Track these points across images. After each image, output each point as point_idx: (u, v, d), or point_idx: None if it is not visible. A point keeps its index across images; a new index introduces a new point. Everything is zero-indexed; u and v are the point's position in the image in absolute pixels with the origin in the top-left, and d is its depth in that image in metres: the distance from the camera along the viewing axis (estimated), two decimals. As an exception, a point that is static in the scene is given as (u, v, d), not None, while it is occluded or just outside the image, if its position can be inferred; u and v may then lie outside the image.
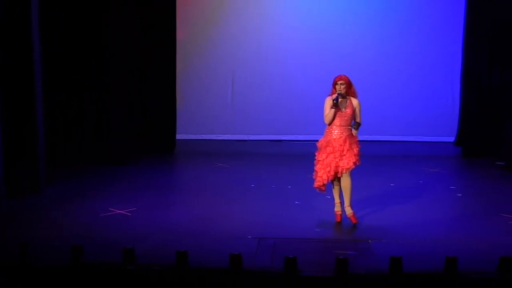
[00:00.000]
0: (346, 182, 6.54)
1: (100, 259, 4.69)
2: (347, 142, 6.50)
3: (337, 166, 6.50)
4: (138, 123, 10.21)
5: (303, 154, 9.94)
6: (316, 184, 6.65)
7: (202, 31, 11.69)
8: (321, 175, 6.57)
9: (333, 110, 6.46)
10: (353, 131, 6.55)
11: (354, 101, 6.57)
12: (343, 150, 6.48)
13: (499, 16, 9.79)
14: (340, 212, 6.69)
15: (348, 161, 6.48)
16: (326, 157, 6.52)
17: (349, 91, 6.54)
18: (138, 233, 6.29)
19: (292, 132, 11.72)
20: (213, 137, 11.77)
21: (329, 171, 6.52)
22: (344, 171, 6.50)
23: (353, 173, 6.56)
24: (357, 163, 6.53)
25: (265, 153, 10.74)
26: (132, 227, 6.50)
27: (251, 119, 11.79)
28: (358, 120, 6.55)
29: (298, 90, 11.55)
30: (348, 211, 6.61)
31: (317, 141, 6.70)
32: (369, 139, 10.84)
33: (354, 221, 6.58)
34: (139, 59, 10.18)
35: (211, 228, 6.48)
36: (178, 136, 11.04)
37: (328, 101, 6.52)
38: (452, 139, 11.19)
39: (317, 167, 6.61)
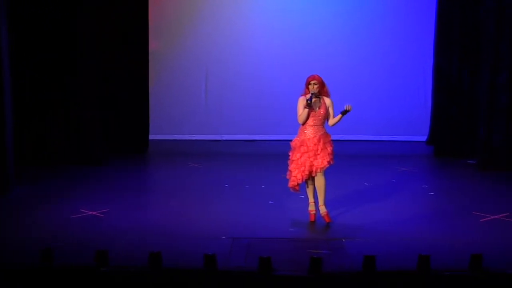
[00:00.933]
0: (320, 181, 6.57)
1: (71, 261, 4.64)
2: (321, 141, 6.54)
3: (311, 166, 6.54)
4: (110, 123, 10.13)
5: (277, 154, 9.96)
6: (290, 184, 6.67)
7: (175, 31, 11.64)
8: (296, 174, 6.60)
9: (306, 110, 6.50)
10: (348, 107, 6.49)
11: (327, 101, 6.61)
12: (317, 150, 6.52)
13: (469, 19, 9.94)
14: (314, 212, 6.72)
15: (322, 160, 6.51)
16: (300, 157, 6.55)
17: (322, 90, 6.58)
18: (111, 234, 6.24)
19: (266, 132, 11.74)
20: (187, 137, 11.73)
21: (303, 171, 6.55)
22: (318, 171, 6.53)
23: (327, 172, 6.59)
24: (331, 162, 6.57)
25: (239, 153, 10.74)
26: (105, 229, 6.45)
27: (224, 119, 11.78)
28: (331, 118, 6.57)
29: (272, 90, 11.57)
30: (322, 210, 6.64)
31: (291, 140, 6.73)
32: (342, 139, 10.91)
33: (327, 220, 6.62)
34: (112, 59, 10.10)
35: (185, 229, 6.46)
36: (151, 137, 10.98)
37: (302, 101, 6.55)
38: (424, 138, 11.34)
39: (291, 167, 6.64)
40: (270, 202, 7.46)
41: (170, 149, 10.99)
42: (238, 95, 11.71)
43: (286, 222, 6.70)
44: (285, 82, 11.24)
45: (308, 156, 6.52)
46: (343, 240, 6.07)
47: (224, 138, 11.76)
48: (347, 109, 6.48)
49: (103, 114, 9.79)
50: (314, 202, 6.72)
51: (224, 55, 11.67)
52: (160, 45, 11.49)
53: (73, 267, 4.24)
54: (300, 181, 6.60)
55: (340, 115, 6.54)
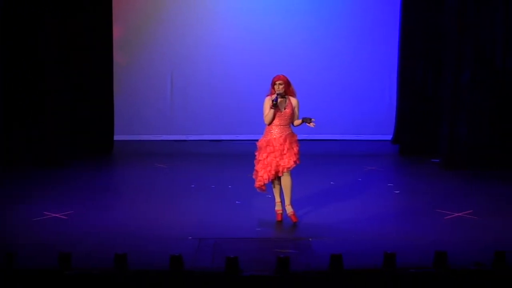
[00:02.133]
0: (286, 181, 6.59)
1: (34, 264, 4.56)
2: (287, 141, 6.55)
3: (277, 166, 6.55)
4: (74, 123, 10.01)
5: (243, 153, 9.95)
6: (257, 184, 6.67)
7: (139, 29, 11.55)
8: (262, 174, 6.59)
9: (272, 110, 6.50)
10: (311, 124, 6.51)
11: (293, 101, 6.63)
12: (283, 150, 6.53)
13: (432, 20, 10.10)
14: (280, 211, 6.74)
15: (289, 160, 6.53)
16: (267, 157, 6.55)
17: (288, 90, 6.60)
18: (75, 236, 6.17)
19: (232, 132, 11.72)
20: (152, 137, 11.65)
21: (269, 171, 6.55)
22: (284, 170, 6.54)
23: (293, 172, 6.62)
24: (297, 162, 6.59)
25: (205, 153, 10.71)
26: (69, 231, 6.36)
27: (190, 119, 11.73)
28: (296, 119, 6.60)
29: (238, 89, 11.56)
30: (289, 210, 6.66)
31: (257, 140, 6.73)
32: (309, 138, 10.95)
33: (294, 219, 6.64)
34: (76, 59, 10.00)
35: (151, 230, 6.41)
36: (116, 137, 10.88)
37: (268, 101, 6.56)
38: (389, 137, 11.47)
39: (257, 167, 6.63)
40: (237, 202, 7.46)
41: (135, 149, 10.90)
42: (204, 95, 11.68)
43: (253, 222, 6.70)
44: (251, 82, 11.24)
45: (274, 156, 6.53)
46: (310, 239, 6.10)
47: (190, 138, 11.71)
48: (308, 123, 6.48)
49: (66, 114, 9.66)
50: (281, 201, 6.74)
51: (190, 55, 11.62)
52: (124, 45, 11.39)
53: (35, 270, 4.17)
54: (266, 181, 6.61)
55: (301, 121, 6.58)
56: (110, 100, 10.57)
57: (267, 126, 6.62)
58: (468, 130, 9.30)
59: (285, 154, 6.53)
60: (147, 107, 11.64)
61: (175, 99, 11.73)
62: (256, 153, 6.67)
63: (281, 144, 6.53)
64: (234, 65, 11.61)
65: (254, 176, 6.73)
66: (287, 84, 6.57)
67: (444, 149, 9.48)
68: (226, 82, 11.62)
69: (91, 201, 7.50)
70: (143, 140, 11.51)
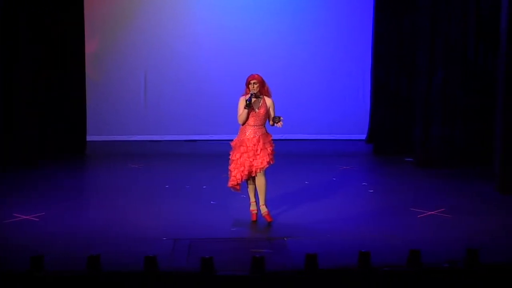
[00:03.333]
0: (260, 181, 6.60)
1: (4, 267, 4.50)
2: (261, 141, 6.56)
3: (251, 166, 6.55)
4: (46, 123, 9.91)
5: (218, 153, 9.96)
6: (230, 184, 6.67)
7: (112, 28, 11.48)
8: (235, 174, 6.59)
9: (246, 110, 6.50)
10: (278, 124, 6.53)
11: (268, 101, 6.63)
12: (256, 150, 6.53)
13: (407, 20, 10.21)
14: (255, 211, 6.75)
15: (262, 160, 6.54)
16: (240, 157, 6.55)
17: (263, 90, 6.60)
18: (47, 238, 6.10)
19: (207, 132, 11.71)
20: (126, 138, 11.57)
21: (243, 171, 6.55)
22: (258, 171, 6.55)
23: (267, 172, 6.63)
24: (271, 162, 6.60)
25: (179, 153, 10.68)
26: (40, 233, 6.29)
27: (164, 119, 11.68)
28: (272, 119, 6.62)
29: (213, 89, 11.55)
30: (263, 209, 6.67)
31: (231, 140, 6.73)
32: (283, 138, 10.99)
33: (269, 219, 6.65)
34: (47, 58, 9.89)
35: (125, 231, 6.37)
36: (88, 138, 10.79)
37: (242, 101, 6.55)
38: (364, 136, 11.56)
39: (231, 167, 6.63)
40: (211, 202, 7.45)
41: (108, 150, 10.82)
42: (178, 95, 11.64)
43: (228, 222, 6.70)
44: (227, 82, 11.24)
45: (248, 156, 6.53)
46: (285, 239, 6.12)
47: (164, 139, 11.66)
48: (277, 122, 6.49)
49: (37, 114, 9.55)
50: (256, 201, 6.75)
51: (164, 53, 11.57)
52: (96, 43, 11.30)
53: (6, 272, 4.12)
54: (239, 181, 6.60)
55: (271, 121, 6.58)
56: (82, 100, 10.47)
57: (241, 126, 6.62)
58: (442, 128, 9.41)
59: (258, 154, 6.54)
60: (121, 107, 11.56)
61: (149, 98, 11.67)
62: (230, 153, 6.67)
63: (254, 144, 6.54)
64: (209, 64, 11.59)
65: (228, 176, 6.71)
66: (262, 83, 6.58)
67: (418, 148, 9.58)
68: (201, 81, 11.60)
69: (63, 203, 7.43)
70: (117, 141, 11.44)
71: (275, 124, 6.58)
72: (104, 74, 11.49)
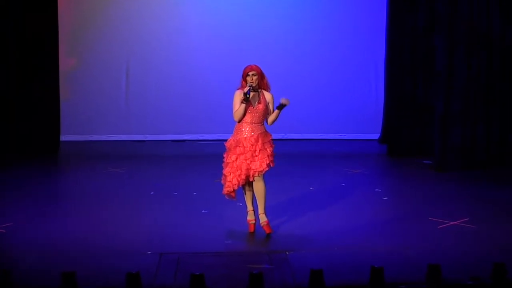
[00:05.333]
0: (259, 186, 6.60)
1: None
2: (260, 141, 6.56)
3: (248, 169, 6.54)
4: (13, 121, 9.92)
5: (209, 155, 9.99)
6: (225, 191, 6.66)
7: (90, 13, 11.47)
8: (231, 179, 6.57)
9: (243, 105, 6.50)
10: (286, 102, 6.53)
11: (267, 95, 6.64)
12: (255, 151, 6.53)
13: (421, 12, 10.28)
14: (253, 221, 6.75)
15: (261, 163, 6.53)
16: (236, 159, 6.55)
17: (261, 83, 6.61)
18: (16, 252, 6.11)
19: (196, 131, 11.73)
20: (105, 137, 11.60)
21: (239, 175, 6.54)
22: (256, 175, 6.55)
23: (267, 176, 6.64)
24: (271, 165, 6.60)
25: (166, 155, 10.70)
26: (8, 246, 6.30)
27: (149, 116, 11.69)
28: (270, 116, 6.63)
29: (204, 83, 11.56)
30: (262, 219, 6.68)
31: (225, 140, 6.75)
32: (285, 138, 11.03)
33: (268, 230, 6.67)
34: (18, 52, 9.93)
35: (104, 243, 6.39)
36: (62, 137, 10.81)
37: (238, 95, 6.55)
38: (377, 136, 11.57)
39: (226, 171, 6.61)
40: (203, 211, 7.47)
41: (85, 151, 10.85)
42: (163, 89, 11.65)
43: (221, 233, 6.71)
44: (219, 75, 11.28)
45: (245, 158, 6.53)
46: (287, 253, 6.13)
47: (148, 139, 11.68)
48: (283, 103, 6.52)
49: (4, 111, 9.59)
50: (253, 210, 6.74)
51: (149, 42, 11.59)
52: (72, 33, 11.32)
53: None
54: (236, 187, 6.60)
55: (276, 111, 6.59)
56: (55, 95, 10.49)
57: (237, 124, 6.62)
58: (463, 128, 9.44)
59: (257, 155, 6.53)
60: (99, 103, 11.57)
61: (132, 94, 11.68)
62: (225, 155, 6.67)
63: (252, 145, 6.54)
64: (199, 55, 11.60)
65: (222, 182, 6.72)
66: (261, 75, 6.58)
67: (438, 149, 9.60)
68: (191, 74, 11.60)
69: (34, 211, 7.44)
70: (94, 141, 11.46)
71: (284, 106, 6.47)
72: (80, 66, 11.50)
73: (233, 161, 6.56)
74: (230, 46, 11.50)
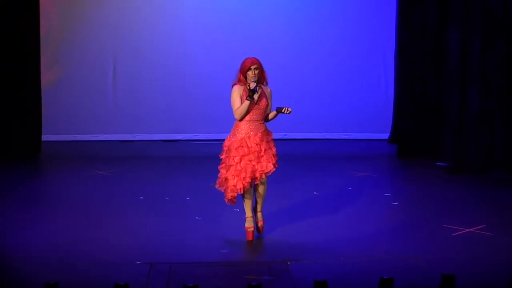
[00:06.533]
0: (263, 189, 6.61)
1: None
2: (264, 140, 6.54)
3: (254, 171, 6.50)
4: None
5: (204, 157, 10.01)
6: (228, 196, 6.58)
7: (75, 14, 11.45)
8: (235, 183, 6.50)
9: (247, 102, 6.45)
10: (288, 110, 6.54)
11: (267, 90, 6.65)
12: (260, 151, 6.49)
13: (431, 19, 10.33)
14: (252, 229, 6.73)
15: (267, 163, 6.50)
16: (240, 161, 6.49)
17: (262, 77, 6.61)
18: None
19: (190, 130, 11.73)
20: (90, 137, 11.60)
21: (244, 178, 6.48)
22: (262, 176, 6.52)
23: (268, 180, 6.66)
24: (276, 166, 6.59)
25: (156, 156, 10.71)
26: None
27: (138, 115, 11.69)
28: (270, 112, 6.65)
29: (198, 79, 11.55)
30: (259, 217, 6.69)
31: (220, 140, 6.74)
32: (287, 138, 11.05)
33: (261, 231, 6.71)
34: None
35: (90, 252, 6.40)
36: (44, 137, 10.81)
37: (237, 91, 6.54)
38: (386, 136, 11.58)
39: (227, 174, 6.54)
40: (196, 217, 7.48)
41: (69, 152, 10.85)
42: (154, 86, 11.63)
43: (217, 242, 6.72)
44: (212, 70, 11.29)
45: (250, 160, 6.48)
46: (288, 262, 6.14)
47: (137, 138, 11.69)
48: (285, 111, 6.53)
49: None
50: (253, 217, 6.73)
51: (137, 36, 11.57)
52: (55, 28, 11.34)
53: None
54: (240, 191, 6.53)
55: (275, 112, 6.62)
56: (36, 92, 10.49)
57: (236, 122, 6.60)
58: (479, 127, 9.45)
59: (262, 156, 6.50)
60: (83, 101, 11.57)
61: (119, 91, 11.68)
62: (222, 156, 6.64)
63: (257, 144, 6.50)
64: (193, 49, 11.59)
65: (218, 186, 6.69)
66: (262, 70, 6.59)
67: (452, 150, 9.61)
68: (183, 70, 11.60)
69: (14, 217, 7.45)
70: (79, 141, 11.46)
71: (285, 112, 6.51)
72: (63, 60, 11.50)
73: (237, 163, 6.51)
74: (226, 40, 11.48)
